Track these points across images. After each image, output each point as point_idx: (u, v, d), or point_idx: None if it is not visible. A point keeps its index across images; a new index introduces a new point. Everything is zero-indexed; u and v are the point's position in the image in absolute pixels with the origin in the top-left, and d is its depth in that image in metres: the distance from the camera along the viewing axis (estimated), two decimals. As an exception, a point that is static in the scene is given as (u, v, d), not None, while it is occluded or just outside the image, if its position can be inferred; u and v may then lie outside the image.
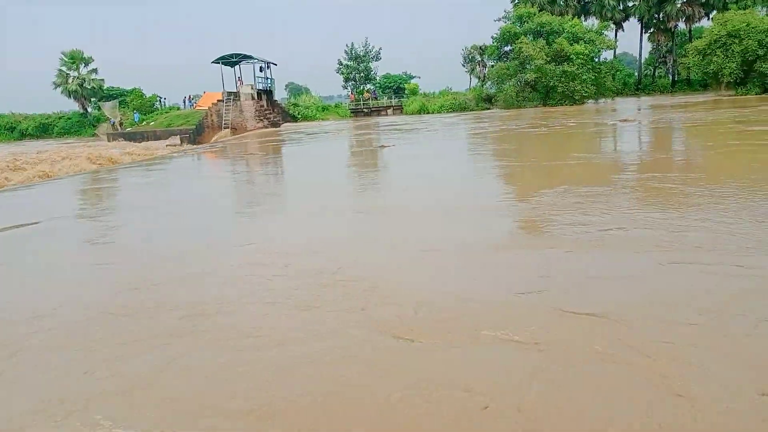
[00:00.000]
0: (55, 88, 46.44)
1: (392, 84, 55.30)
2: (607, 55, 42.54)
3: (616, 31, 47.74)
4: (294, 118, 40.40)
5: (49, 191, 12.08)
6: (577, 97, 38.07)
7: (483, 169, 9.73)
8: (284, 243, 5.31)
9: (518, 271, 4.10)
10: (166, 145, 27.11)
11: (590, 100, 39.93)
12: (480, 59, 50.89)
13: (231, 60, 34.10)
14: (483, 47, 48.88)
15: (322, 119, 41.80)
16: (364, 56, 50.86)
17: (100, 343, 3.27)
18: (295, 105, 43.04)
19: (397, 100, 48.73)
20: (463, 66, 53.93)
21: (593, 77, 38.20)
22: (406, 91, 51.12)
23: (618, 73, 39.75)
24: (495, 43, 42.65)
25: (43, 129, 48.30)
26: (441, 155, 12.80)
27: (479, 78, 50.79)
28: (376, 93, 50.19)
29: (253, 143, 23.69)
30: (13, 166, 15.94)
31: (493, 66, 43.67)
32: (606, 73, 39.30)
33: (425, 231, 5.32)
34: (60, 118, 49.05)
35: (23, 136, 47.99)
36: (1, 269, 5.28)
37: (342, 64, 51.23)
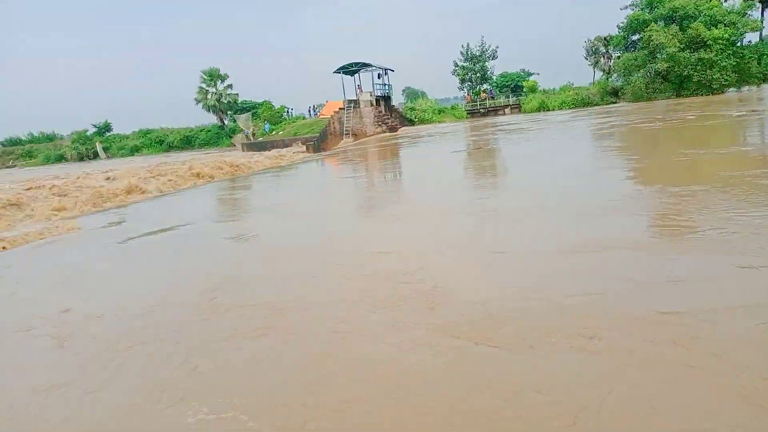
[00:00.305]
0: (197, 103, 52.46)
1: (509, 82, 55.18)
2: (751, 37, 39.43)
3: (762, 10, 43.88)
4: (411, 122, 41.72)
5: (196, 195, 13.92)
6: (715, 86, 35.72)
7: (591, 167, 9.56)
8: (381, 242, 5.79)
9: (604, 274, 4.08)
10: (293, 153, 29.34)
11: (731, 89, 37.20)
12: (605, 51, 49.29)
13: (350, 69, 36.01)
14: (608, 38, 47.34)
15: (439, 122, 42.74)
16: (479, 56, 51.28)
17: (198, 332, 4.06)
18: (412, 109, 44.47)
19: (514, 98, 48.58)
20: (586, 59, 52.53)
21: (734, 63, 35.61)
22: (524, 89, 50.78)
23: (765, 57, 36.68)
24: (621, 33, 41.25)
25: (187, 141, 54.63)
26: (551, 153, 12.63)
27: (604, 71, 49.18)
28: (493, 92, 50.40)
29: (372, 148, 24.67)
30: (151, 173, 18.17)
31: (619, 57, 42.23)
32: (750, 57, 36.38)
33: (525, 233, 5.52)
34: (201, 130, 55.07)
35: (170, 148, 54.58)
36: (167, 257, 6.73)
37: (458, 66, 52.13)
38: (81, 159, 55.35)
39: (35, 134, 66.64)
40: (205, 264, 5.97)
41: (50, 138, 66.00)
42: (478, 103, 47.84)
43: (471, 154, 14.95)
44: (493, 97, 49.12)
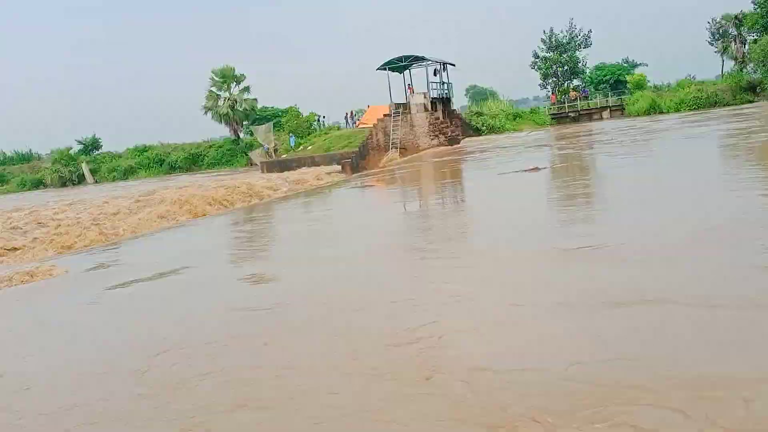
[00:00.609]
0: (205, 112, 54.22)
1: (608, 77, 54.94)
2: None
3: None
4: (477, 131, 42.11)
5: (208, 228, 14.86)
6: None
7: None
8: (426, 314, 5.89)
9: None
10: (326, 173, 29.89)
11: None
12: (736, 33, 48.64)
13: (399, 64, 36.32)
14: (740, 16, 46.81)
15: (514, 130, 42.91)
16: (567, 44, 51.56)
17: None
18: (479, 114, 44.82)
19: (615, 97, 48.50)
20: (711, 44, 51.94)
21: None
22: (628, 85, 50.42)
23: None
24: (759, 10, 40.87)
25: (193, 160, 56.52)
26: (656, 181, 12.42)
27: (735, 59, 48.45)
28: (586, 90, 50.45)
29: (426, 167, 25.16)
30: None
31: (756, 41, 41.69)
32: None
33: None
34: (210, 146, 56.90)
35: (172, 168, 56.55)
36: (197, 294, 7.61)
37: (538, 57, 52.66)
38: (63, 184, 57.60)
39: (8, 153, 70.36)
40: (174, 330, 6.48)
41: (26, 158, 69.50)
42: (567, 104, 47.96)
43: (561, 179, 15.04)
44: (586, 97, 49.22)
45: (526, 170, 16.90)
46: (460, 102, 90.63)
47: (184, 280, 8.94)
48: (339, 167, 31.67)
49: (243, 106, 53.45)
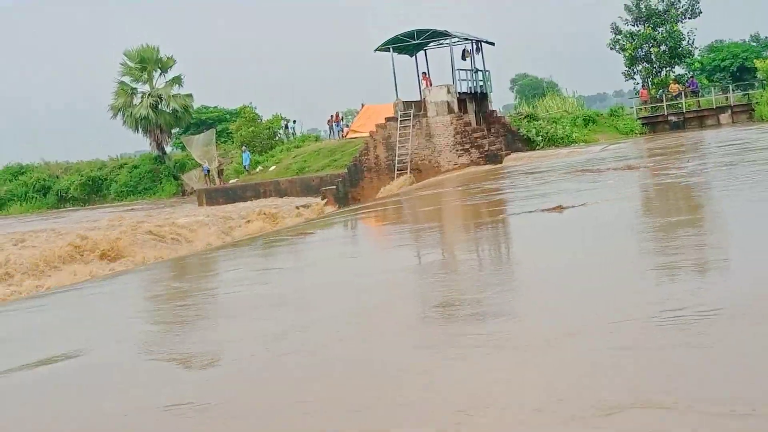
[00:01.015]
0: (114, 115, 52.97)
1: (727, 62, 53.74)
2: None
3: None
4: (529, 143, 40.07)
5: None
6: None
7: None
8: None
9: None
10: (298, 207, 29.30)
11: None
12: None
13: (409, 43, 35.58)
14: None
15: (584, 141, 41.29)
16: (665, 12, 50.44)
17: None
18: (530, 118, 42.97)
19: (740, 93, 47.56)
20: None
21: None
22: (758, 74, 49.26)
23: None
24: None
25: (94, 187, 55.45)
26: None
27: None
28: (695, 82, 49.20)
29: (450, 199, 23.89)
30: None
31: None
32: None
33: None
34: (121, 166, 55.80)
35: (62, 200, 55.49)
36: None
37: (620, 33, 51.74)
38: None
39: None
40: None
41: None
42: (665, 103, 47.08)
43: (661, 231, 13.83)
44: (695, 92, 48.10)
45: (545, 209, 16.77)
46: (502, 99, 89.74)
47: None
48: (318, 198, 31.96)
49: (171, 105, 52.42)
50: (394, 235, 18.42)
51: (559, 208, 16.42)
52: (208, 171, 43.94)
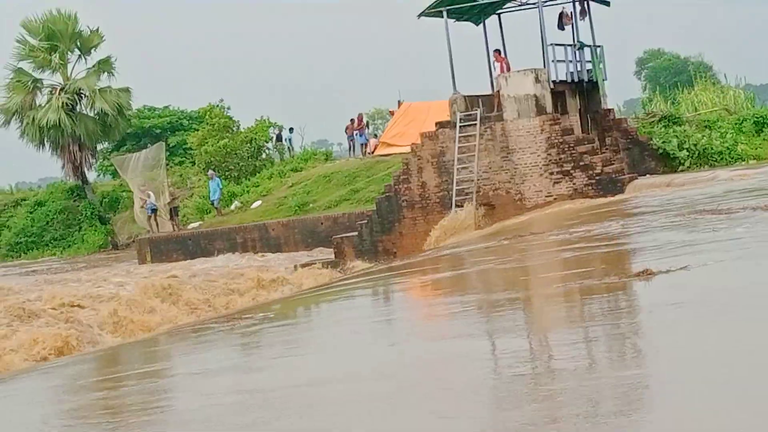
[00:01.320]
0: (5, 122, 45.80)
1: None
2: None
3: None
4: (667, 160, 34.03)
5: None
6: None
7: None
8: None
9: None
10: (296, 267, 28.03)
11: None
12: None
13: (473, 4, 31.23)
14: None
15: (756, 158, 34.24)
16: None
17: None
18: (668, 121, 36.54)
19: None
20: None
21: None
22: None
23: None
24: None
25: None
26: None
27: None
28: None
29: (546, 259, 19.75)
30: None
31: None
32: None
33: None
34: (16, 205, 49.17)
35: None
36: None
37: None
38: None
39: None
40: None
41: None
42: None
43: None
44: None
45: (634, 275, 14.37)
46: (623, 90, 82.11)
47: None
48: (330, 253, 30.21)
49: (97, 105, 46.54)
50: (461, 322, 13.47)
51: (646, 273, 13.89)
52: (155, 209, 38.66)
